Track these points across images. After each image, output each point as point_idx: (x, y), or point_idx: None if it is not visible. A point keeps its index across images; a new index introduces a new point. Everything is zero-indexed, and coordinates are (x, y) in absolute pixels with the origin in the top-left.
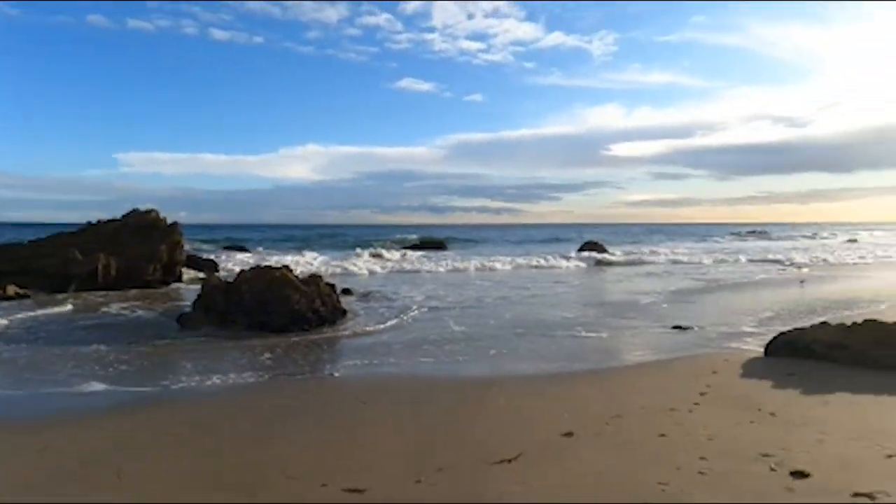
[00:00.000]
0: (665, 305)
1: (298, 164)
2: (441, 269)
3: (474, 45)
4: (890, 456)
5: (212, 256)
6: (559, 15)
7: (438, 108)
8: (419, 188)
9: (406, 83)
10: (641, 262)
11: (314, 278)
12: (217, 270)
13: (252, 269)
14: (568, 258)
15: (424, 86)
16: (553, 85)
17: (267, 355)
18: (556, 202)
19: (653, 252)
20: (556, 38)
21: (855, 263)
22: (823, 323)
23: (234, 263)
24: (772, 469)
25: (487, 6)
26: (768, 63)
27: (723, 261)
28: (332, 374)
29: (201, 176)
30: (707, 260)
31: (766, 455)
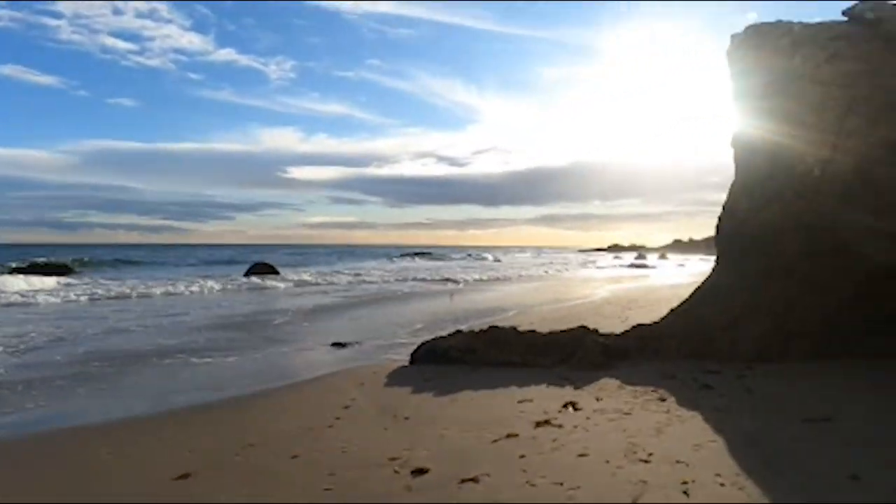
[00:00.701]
0: (329, 322)
1: None
2: (54, 300)
3: (123, 45)
4: (495, 440)
5: None
6: (233, 32)
7: (68, 108)
8: (34, 200)
9: (12, 71)
10: (315, 283)
11: None
12: None
13: None
14: (232, 281)
15: (45, 79)
16: (224, 101)
17: None
18: (229, 222)
19: (329, 272)
20: (228, 54)
21: (497, 279)
22: (459, 331)
23: None
24: (395, 471)
25: (142, 6)
26: (434, 110)
27: (396, 279)
28: None
29: None
30: (377, 278)
31: (393, 458)
